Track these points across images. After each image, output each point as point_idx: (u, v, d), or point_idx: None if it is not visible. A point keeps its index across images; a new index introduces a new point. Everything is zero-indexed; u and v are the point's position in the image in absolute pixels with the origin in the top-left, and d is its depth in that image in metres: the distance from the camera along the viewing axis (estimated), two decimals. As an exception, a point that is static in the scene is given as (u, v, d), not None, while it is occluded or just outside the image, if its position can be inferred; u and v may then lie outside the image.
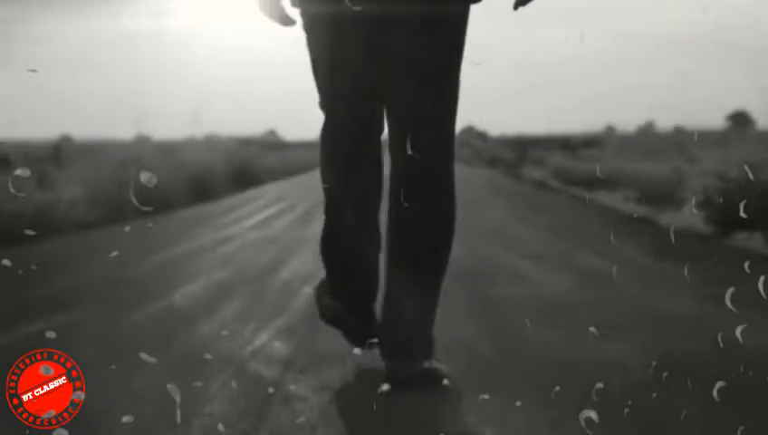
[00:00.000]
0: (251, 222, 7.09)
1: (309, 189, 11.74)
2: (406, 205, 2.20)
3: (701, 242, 5.63)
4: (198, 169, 10.39)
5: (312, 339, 2.81)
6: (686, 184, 8.32)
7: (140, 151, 16.19)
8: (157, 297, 3.56)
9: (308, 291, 3.73)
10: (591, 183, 12.49)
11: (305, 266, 4.45)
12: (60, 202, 6.64)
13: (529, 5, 2.18)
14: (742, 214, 5.89)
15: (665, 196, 8.90)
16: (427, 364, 2.26)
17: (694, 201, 6.66)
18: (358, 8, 2.02)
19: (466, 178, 15.51)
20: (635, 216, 7.51)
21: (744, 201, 5.99)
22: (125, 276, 4.22)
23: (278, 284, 3.95)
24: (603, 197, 10.60)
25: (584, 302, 3.46)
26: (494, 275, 4.20)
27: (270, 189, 12.22)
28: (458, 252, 4.91)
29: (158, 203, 8.50)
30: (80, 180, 7.72)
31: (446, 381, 2.25)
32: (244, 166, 12.98)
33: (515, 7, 2.18)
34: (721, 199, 6.15)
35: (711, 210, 6.29)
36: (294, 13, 2.25)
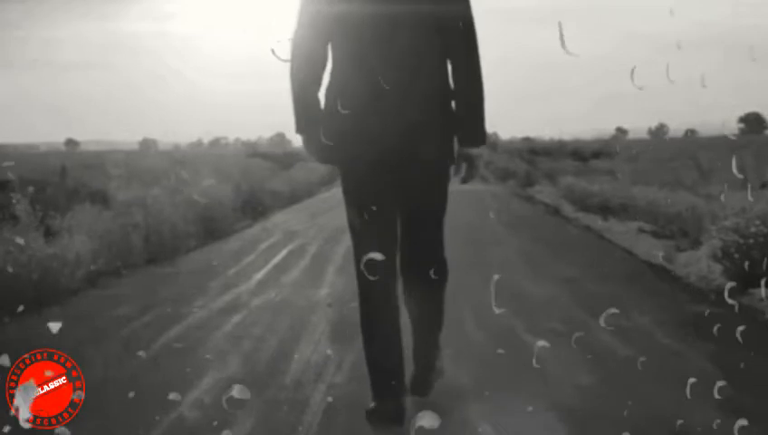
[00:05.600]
0: (258, 276, 6.92)
1: (314, 222, 11.59)
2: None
3: (721, 306, 5.46)
4: (206, 205, 10.26)
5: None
6: (701, 224, 8.15)
7: (146, 165, 16.08)
8: (158, 410, 3.41)
9: (320, 395, 3.60)
10: (605, 209, 12.33)
11: (317, 352, 4.30)
12: (65, 258, 6.48)
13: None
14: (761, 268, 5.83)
15: (681, 232, 8.76)
16: None
17: (711, 253, 6.52)
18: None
19: (479, 198, 15.31)
20: (653, 262, 7.35)
21: (763, 259, 5.89)
22: (123, 374, 4.05)
23: (289, 384, 3.79)
24: (618, 228, 10.44)
25: (611, 418, 3.29)
26: (509, 370, 4.02)
27: (278, 222, 12.06)
28: (470, 322, 4.79)
29: (166, 246, 8.37)
30: (85, 229, 7.57)
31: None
32: (251, 195, 12.87)
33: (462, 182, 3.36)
34: (738, 256, 6.02)
35: (729, 263, 6.14)
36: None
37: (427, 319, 3.41)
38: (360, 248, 3.18)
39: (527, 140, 48.03)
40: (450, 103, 3.25)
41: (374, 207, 3.17)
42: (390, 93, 3.08)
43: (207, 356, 4.29)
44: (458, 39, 3.20)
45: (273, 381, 3.84)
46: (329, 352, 4.30)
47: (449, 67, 3.24)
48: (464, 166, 3.32)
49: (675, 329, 4.80)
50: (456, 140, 3.26)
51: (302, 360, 4.21)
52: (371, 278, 3.09)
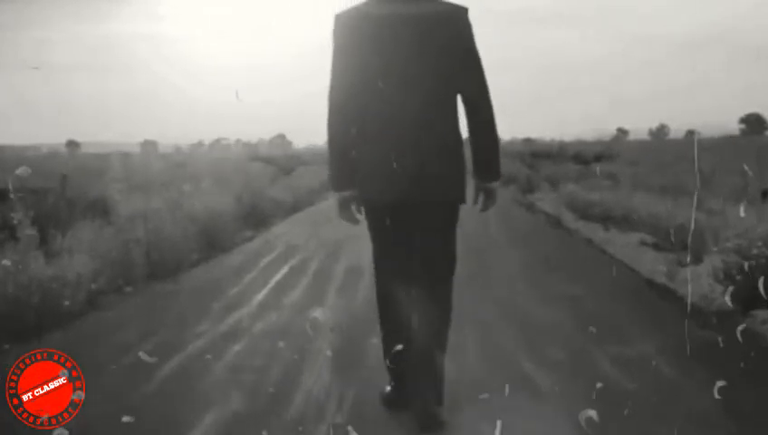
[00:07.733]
0: (259, 296, 6.91)
1: (315, 233, 11.56)
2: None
3: (726, 331, 5.45)
4: (207, 219, 10.27)
5: None
6: (703, 238, 8.14)
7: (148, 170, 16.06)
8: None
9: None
10: (606, 219, 12.32)
11: (320, 386, 4.29)
12: (65, 279, 6.45)
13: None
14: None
15: (682, 244, 8.74)
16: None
17: (713, 274, 6.51)
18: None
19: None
20: (655, 280, 7.33)
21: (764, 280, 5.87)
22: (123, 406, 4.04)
23: (293, 418, 3.79)
24: (619, 240, 10.43)
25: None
26: (507, 400, 4.01)
27: (279, 234, 12.05)
28: (469, 347, 4.77)
29: (168, 262, 8.36)
30: (86, 247, 7.56)
31: None
32: (253, 206, 12.91)
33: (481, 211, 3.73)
34: (739, 277, 6.01)
35: (731, 284, 6.13)
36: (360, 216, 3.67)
37: (430, 340, 3.56)
38: (378, 270, 3.67)
39: (528, 141, 47.99)
40: (461, 146, 3.56)
41: (391, 240, 3.57)
42: (405, 135, 3.43)
43: (209, 384, 4.30)
44: (470, 81, 3.51)
45: (276, 414, 3.84)
46: (331, 387, 4.30)
47: (461, 107, 3.56)
48: (482, 196, 3.67)
49: (675, 357, 4.77)
50: (466, 181, 3.57)
51: (304, 393, 4.22)
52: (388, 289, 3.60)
